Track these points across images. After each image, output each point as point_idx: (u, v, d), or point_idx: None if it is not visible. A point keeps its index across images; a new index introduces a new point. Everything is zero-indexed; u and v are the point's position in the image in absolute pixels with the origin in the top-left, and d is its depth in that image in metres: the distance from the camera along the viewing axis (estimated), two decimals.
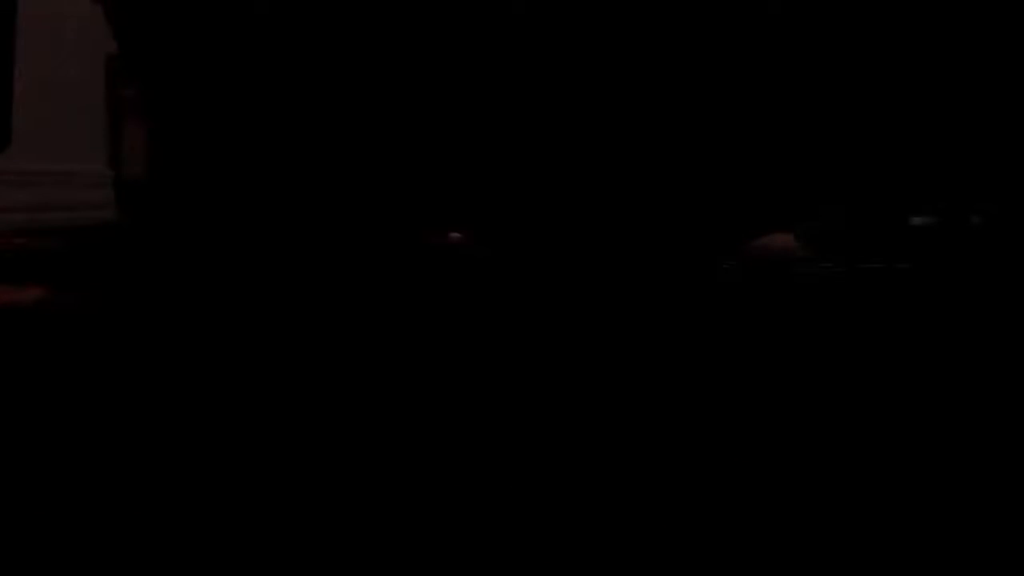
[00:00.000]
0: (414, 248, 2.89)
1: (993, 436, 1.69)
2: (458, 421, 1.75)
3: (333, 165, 2.86)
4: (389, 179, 2.90)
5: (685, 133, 2.84)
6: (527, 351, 2.27)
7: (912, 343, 2.36)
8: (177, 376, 2.03)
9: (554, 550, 1.24)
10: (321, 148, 2.85)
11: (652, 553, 1.23)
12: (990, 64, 2.75)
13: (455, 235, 2.93)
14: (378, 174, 2.90)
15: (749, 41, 2.80)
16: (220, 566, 1.17)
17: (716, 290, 2.65)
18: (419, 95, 2.87)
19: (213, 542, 1.23)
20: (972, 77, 2.77)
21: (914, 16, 2.76)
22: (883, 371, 2.13)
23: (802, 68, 2.81)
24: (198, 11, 2.88)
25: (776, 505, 1.38)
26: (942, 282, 2.65)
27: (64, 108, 5.35)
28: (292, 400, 1.87)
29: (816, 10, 2.81)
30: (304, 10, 2.82)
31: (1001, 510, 1.36)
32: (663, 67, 2.82)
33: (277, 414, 1.78)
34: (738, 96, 2.83)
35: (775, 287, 2.65)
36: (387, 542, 1.26)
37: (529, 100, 2.84)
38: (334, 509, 1.34)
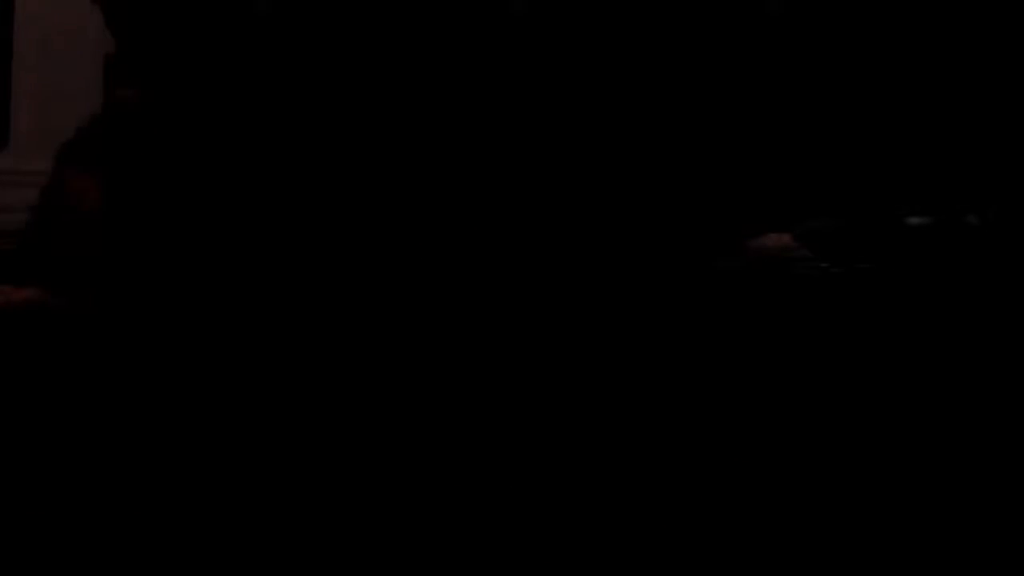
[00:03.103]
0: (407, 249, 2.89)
1: (991, 436, 1.69)
2: (459, 422, 1.75)
3: (337, 170, 2.86)
4: (388, 178, 2.90)
5: (684, 133, 2.84)
6: (528, 349, 2.27)
7: (910, 343, 2.36)
8: (178, 376, 2.03)
9: (558, 548, 1.24)
10: (320, 152, 2.86)
11: (651, 552, 1.23)
12: (988, 65, 2.75)
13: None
14: (377, 174, 2.90)
15: (748, 41, 2.80)
16: (217, 566, 1.16)
17: (714, 289, 2.65)
18: (421, 96, 2.87)
19: (209, 543, 1.23)
20: (970, 78, 2.77)
21: (914, 17, 2.76)
22: (881, 370, 2.13)
23: (801, 68, 2.81)
24: (198, 11, 2.88)
25: (775, 503, 1.38)
26: (940, 282, 2.65)
27: (62, 108, 5.34)
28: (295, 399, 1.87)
29: (816, 11, 2.81)
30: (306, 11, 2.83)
31: (999, 510, 1.36)
32: (662, 67, 2.82)
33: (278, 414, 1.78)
34: (737, 96, 2.84)
35: (773, 287, 2.65)
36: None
37: (530, 100, 2.84)
38: (327, 505, 1.34)
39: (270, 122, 2.83)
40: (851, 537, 1.29)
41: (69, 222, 2.76)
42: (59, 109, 5.55)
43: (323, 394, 1.90)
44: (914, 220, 2.83)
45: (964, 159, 2.81)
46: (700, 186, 2.86)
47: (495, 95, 2.88)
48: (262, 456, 1.54)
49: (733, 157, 2.87)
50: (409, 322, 2.49)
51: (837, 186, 2.86)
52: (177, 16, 2.89)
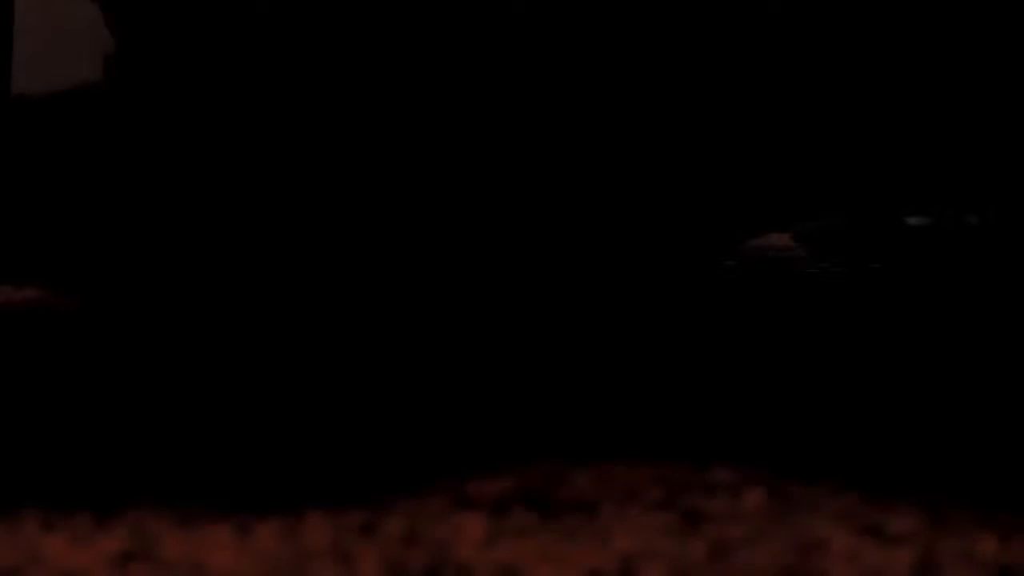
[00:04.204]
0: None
1: (991, 436, 1.69)
2: (453, 416, 1.75)
3: (336, 168, 2.86)
4: (392, 182, 2.90)
5: (684, 132, 2.84)
6: (530, 348, 2.27)
7: (910, 343, 2.36)
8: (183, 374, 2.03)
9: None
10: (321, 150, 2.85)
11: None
12: (988, 65, 2.75)
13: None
14: (375, 173, 2.90)
15: (748, 40, 2.80)
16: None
17: (714, 289, 2.66)
18: (421, 96, 2.87)
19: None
20: (970, 79, 2.77)
21: (914, 15, 2.76)
22: (881, 370, 2.13)
23: (801, 67, 2.81)
24: (199, 11, 2.88)
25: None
26: (939, 281, 2.66)
27: None
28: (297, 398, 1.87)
29: (816, 10, 2.81)
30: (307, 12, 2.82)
31: (1000, 510, 1.36)
32: (663, 66, 2.82)
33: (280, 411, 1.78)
34: (737, 95, 2.83)
35: (773, 287, 2.65)
36: None
37: (531, 99, 2.84)
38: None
39: (269, 122, 2.84)
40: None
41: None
42: None
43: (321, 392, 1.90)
44: (914, 220, 2.84)
45: (964, 159, 2.81)
46: (701, 187, 2.86)
47: (496, 96, 2.87)
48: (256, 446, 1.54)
49: (734, 158, 2.87)
50: (410, 319, 2.48)
51: (837, 186, 2.86)
52: (176, 16, 2.89)
